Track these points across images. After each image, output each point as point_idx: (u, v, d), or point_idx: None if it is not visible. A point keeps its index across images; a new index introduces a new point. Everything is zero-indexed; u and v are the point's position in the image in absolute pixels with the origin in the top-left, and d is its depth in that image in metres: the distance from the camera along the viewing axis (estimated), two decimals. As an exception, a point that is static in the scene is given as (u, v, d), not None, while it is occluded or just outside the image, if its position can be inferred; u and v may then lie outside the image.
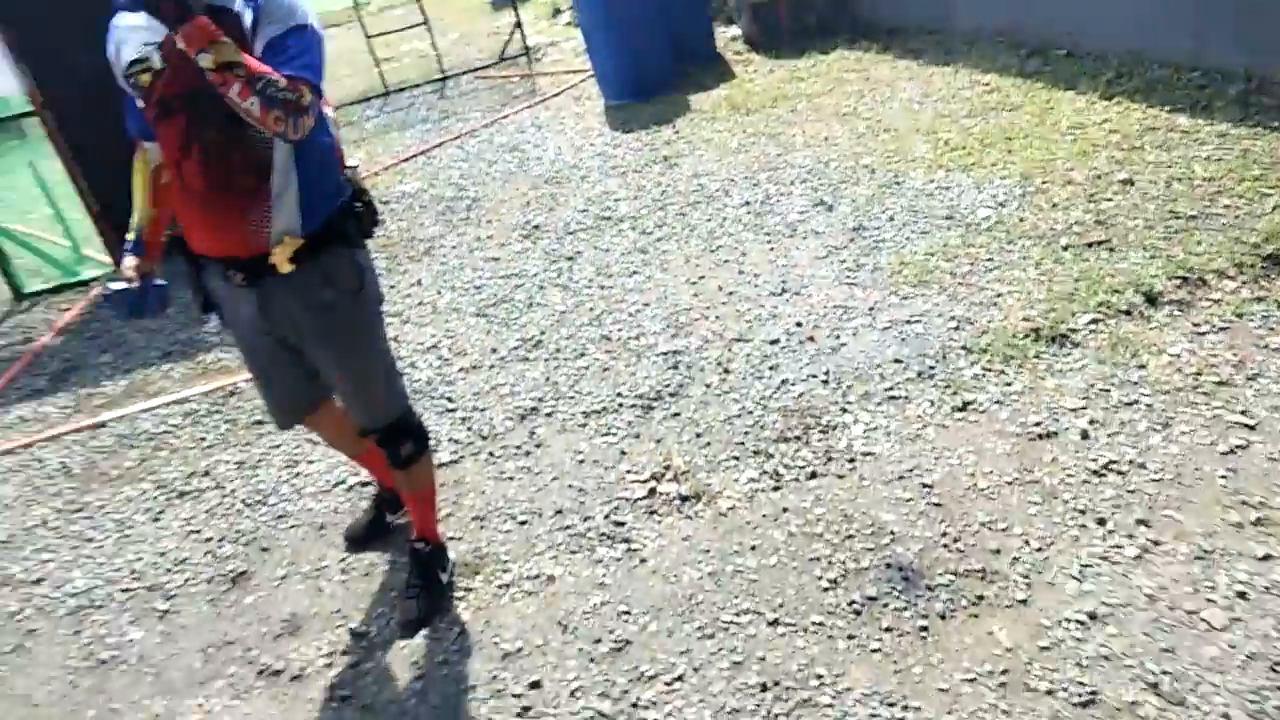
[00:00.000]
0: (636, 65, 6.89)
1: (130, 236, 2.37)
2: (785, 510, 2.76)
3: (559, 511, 2.98)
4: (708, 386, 3.44)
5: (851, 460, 2.90)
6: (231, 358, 4.45)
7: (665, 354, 3.70)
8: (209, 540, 3.19)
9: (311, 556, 3.02)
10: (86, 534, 3.37)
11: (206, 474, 3.58)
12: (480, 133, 7.19)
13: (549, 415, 3.49)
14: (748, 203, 4.84)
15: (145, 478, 3.64)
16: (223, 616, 2.84)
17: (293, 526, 3.18)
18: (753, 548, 2.65)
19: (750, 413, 3.24)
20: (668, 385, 3.50)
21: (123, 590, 3.04)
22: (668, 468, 3.06)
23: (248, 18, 2.10)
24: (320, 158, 2.28)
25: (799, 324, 3.68)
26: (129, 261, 2.35)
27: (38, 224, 6.44)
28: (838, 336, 3.54)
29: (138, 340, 4.83)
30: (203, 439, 3.84)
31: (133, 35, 2.14)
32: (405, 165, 6.84)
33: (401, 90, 9.23)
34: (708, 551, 2.68)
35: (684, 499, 2.90)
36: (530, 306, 4.33)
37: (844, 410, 3.14)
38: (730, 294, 4.05)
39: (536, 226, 5.20)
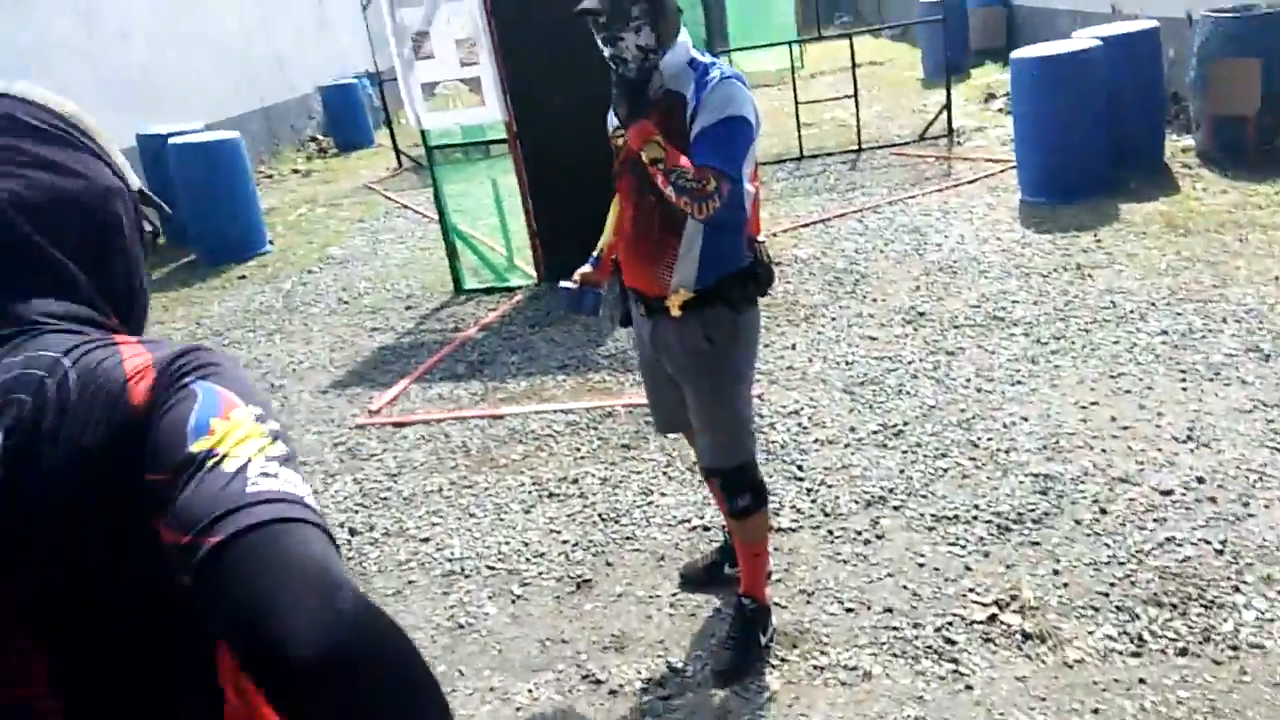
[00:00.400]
0: (1066, 163, 6.55)
1: (594, 253, 2.89)
2: (1142, 681, 2.50)
3: (888, 610, 2.92)
4: (1078, 522, 3.20)
5: (1235, 648, 2.56)
6: (614, 381, 4.88)
7: (1036, 475, 3.50)
8: (565, 542, 3.53)
9: (648, 582, 3.23)
10: (470, 509, 3.86)
11: (575, 481, 3.95)
12: (884, 209, 7.23)
13: (896, 509, 3.44)
14: (1165, 332, 4.42)
15: (525, 472, 4.10)
16: (563, 615, 3.13)
17: (636, 550, 3.42)
18: (1095, 711, 2.43)
19: (1122, 563, 2.96)
20: (1032, 509, 3.30)
21: (488, 567, 3.45)
22: (1014, 597, 2.89)
23: (691, 106, 2.46)
24: (726, 228, 2.55)
25: (1200, 479, 3.30)
26: (584, 269, 2.84)
27: (484, 231, 7.48)
28: (1246, 504, 3.13)
29: (542, 349, 5.43)
30: (578, 449, 4.24)
31: (619, 106, 2.54)
32: (803, 230, 7.06)
33: (815, 157, 9.52)
34: (1044, 700, 2.49)
35: (1026, 636, 2.72)
36: (899, 393, 4.29)
37: (1237, 589, 2.77)
38: (1124, 428, 3.73)
39: (921, 313, 5.14)
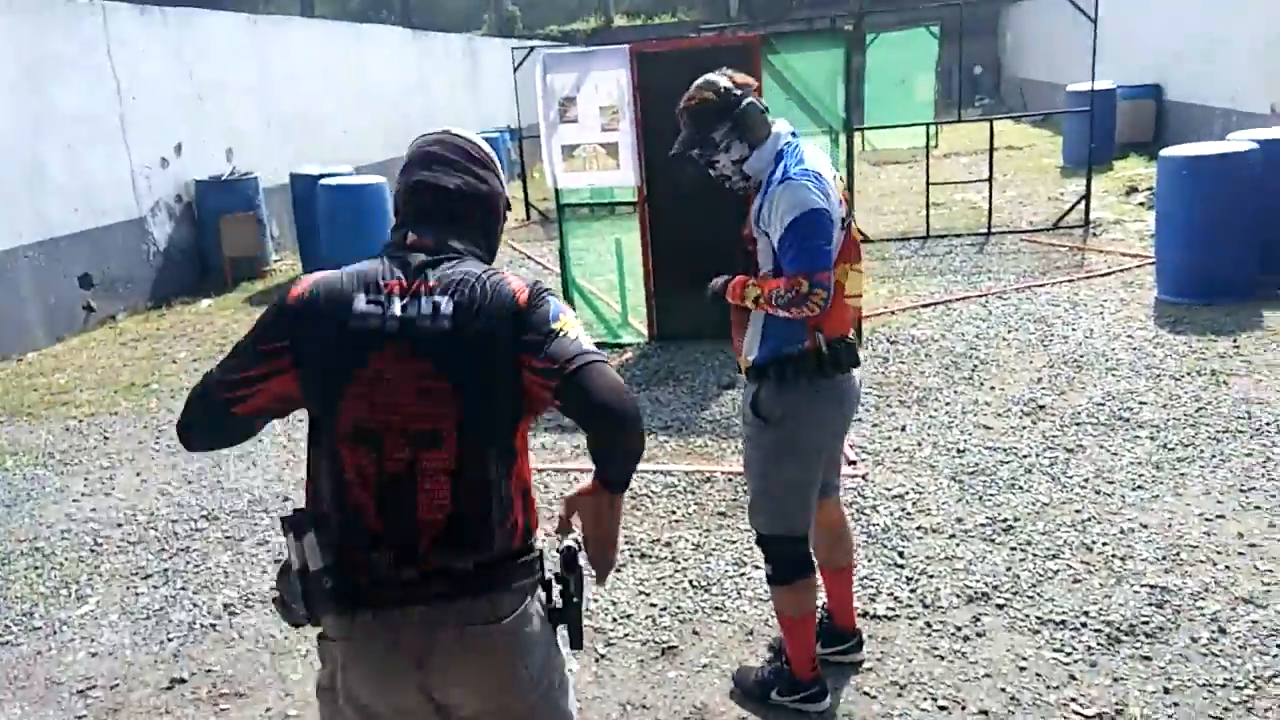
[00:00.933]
0: (1209, 264, 6.27)
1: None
2: (1258, 828, 2.30)
3: (984, 712, 2.79)
4: (1194, 640, 2.99)
5: (1370, 805, 2.33)
6: (716, 446, 4.86)
7: (1153, 587, 3.30)
8: (654, 606, 3.50)
9: (734, 656, 3.17)
10: (562, 560, 3.87)
11: (668, 544, 3.93)
12: (1009, 296, 7.04)
13: (1000, 607, 3.29)
14: (1307, 449, 4.14)
15: (622, 530, 4.09)
16: (646, 680, 3.09)
17: (725, 621, 3.37)
18: None
19: (1239, 688, 2.75)
20: (1146, 622, 3.11)
21: (574, 621, 3.45)
22: (1120, 713, 2.72)
23: (755, 202, 2.68)
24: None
25: (1337, 612, 3.05)
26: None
27: (601, 287, 7.61)
28: (1391, 645, 2.87)
29: (647, 407, 5.45)
30: (673, 511, 4.23)
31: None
32: (924, 310, 6.93)
33: (943, 237, 9.38)
34: (1143, 833, 2.32)
35: (1131, 760, 2.55)
36: (1012, 487, 4.13)
37: (1375, 739, 2.53)
38: (1252, 545, 3.49)
39: (1041, 406, 4.95)
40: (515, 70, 13.79)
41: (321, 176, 9.51)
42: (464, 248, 1.73)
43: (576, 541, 1.76)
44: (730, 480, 4.45)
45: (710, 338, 6.08)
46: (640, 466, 4.45)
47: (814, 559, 2.86)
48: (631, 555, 3.87)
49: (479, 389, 1.63)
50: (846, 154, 6.36)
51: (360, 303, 1.64)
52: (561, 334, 1.63)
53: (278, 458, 5.15)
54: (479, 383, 1.63)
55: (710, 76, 2.73)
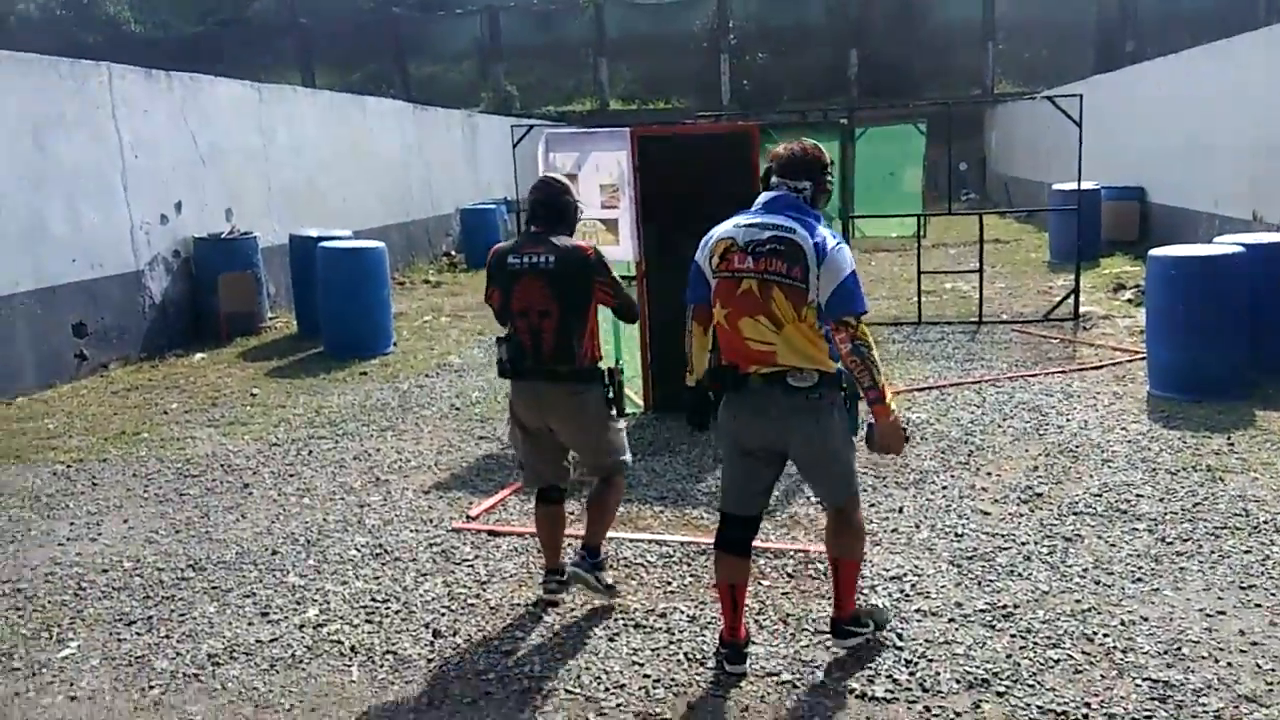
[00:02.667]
0: (1200, 362, 6.37)
1: None
2: None
3: (987, 801, 2.72)
4: (1200, 737, 2.95)
5: None
6: (711, 518, 4.81)
7: (1155, 681, 3.26)
8: (647, 677, 3.43)
9: (729, 733, 3.09)
10: (555, 628, 3.80)
11: (663, 615, 3.87)
12: (1003, 384, 7.11)
13: (1000, 695, 3.24)
14: (1303, 547, 4.15)
15: (615, 598, 4.03)
16: (639, 753, 3.01)
17: (720, 697, 3.30)
18: None
19: (1249, 789, 2.70)
20: (1149, 716, 3.07)
21: (566, 690, 3.37)
22: (1127, 809, 2.65)
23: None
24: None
25: (1343, 710, 3.02)
26: None
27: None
28: (1398, 746, 2.84)
29: (643, 477, 5.42)
30: (668, 582, 4.17)
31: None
32: (917, 395, 6.98)
33: (934, 324, 9.50)
34: None
35: None
36: (1011, 573, 4.11)
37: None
38: (1254, 644, 3.47)
39: (1038, 494, 4.96)
40: (515, 146, 14.08)
41: (321, 239, 9.58)
42: (561, 231, 3.81)
43: (619, 366, 4.01)
44: (726, 554, 4.40)
45: (711, 412, 6.08)
46: (635, 536, 4.52)
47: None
48: (625, 625, 3.81)
49: (563, 293, 3.71)
50: (843, 238, 6.48)
51: (510, 258, 3.79)
52: (610, 281, 3.80)
53: (268, 511, 5.08)
54: (564, 291, 3.71)
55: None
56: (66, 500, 5.26)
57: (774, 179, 3.38)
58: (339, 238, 9.82)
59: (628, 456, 4.01)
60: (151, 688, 3.40)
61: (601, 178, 6.63)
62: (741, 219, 3.36)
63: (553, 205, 3.82)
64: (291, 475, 5.64)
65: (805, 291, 3.19)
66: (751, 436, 3.38)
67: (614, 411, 3.86)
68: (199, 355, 8.99)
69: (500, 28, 30.14)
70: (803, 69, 27.76)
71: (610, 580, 4.07)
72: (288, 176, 11.65)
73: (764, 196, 3.39)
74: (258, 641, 3.72)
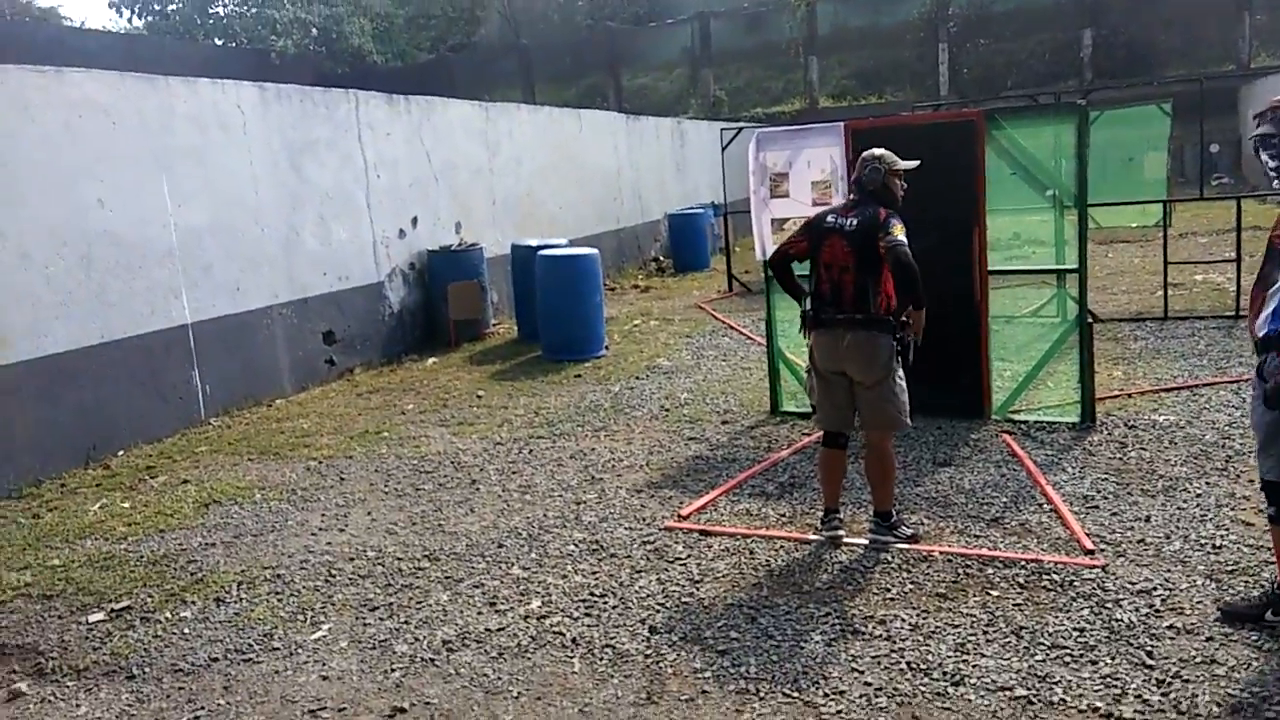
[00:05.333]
0: None
1: None
2: None
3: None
4: None
5: None
6: (933, 525, 4.62)
7: None
8: (868, 685, 3.32)
9: (957, 748, 2.94)
10: (769, 630, 3.76)
11: (882, 623, 3.74)
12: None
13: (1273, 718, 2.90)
14: None
15: (829, 603, 3.95)
16: (860, 761, 2.92)
17: (947, 709, 3.15)
18: None
19: None
20: None
21: (784, 694, 3.31)
22: None
23: None
24: None
25: None
26: None
27: (800, 356, 7.51)
28: None
29: (857, 480, 5.26)
30: (887, 589, 4.03)
31: None
32: (1165, 395, 6.39)
33: (1184, 319, 8.68)
34: None
35: None
36: None
37: None
38: None
39: (1314, 505, 4.40)
40: (724, 150, 14.14)
41: (540, 248, 10.00)
42: (869, 202, 4.41)
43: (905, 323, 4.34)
44: (949, 561, 4.21)
45: (922, 413, 5.83)
46: (853, 540, 4.33)
47: None
48: (844, 631, 3.71)
49: (859, 251, 4.30)
50: (1079, 229, 6.02)
51: (827, 219, 4.47)
52: (893, 233, 4.20)
53: (494, 506, 5.35)
54: (860, 249, 4.30)
55: None
56: (318, 493, 5.76)
57: None
58: (556, 246, 10.22)
59: (908, 419, 4.46)
60: (393, 670, 3.66)
61: (813, 175, 6.51)
62: None
63: (877, 183, 4.40)
64: (514, 472, 5.91)
65: None
66: None
67: (900, 364, 4.36)
68: (431, 359, 9.62)
69: (710, 34, 30.39)
70: (1028, 53, 26.16)
71: (910, 531, 4.49)
72: (509, 188, 12.26)
73: None
74: (487, 630, 3.91)
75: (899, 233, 4.21)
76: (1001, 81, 25.75)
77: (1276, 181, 3.42)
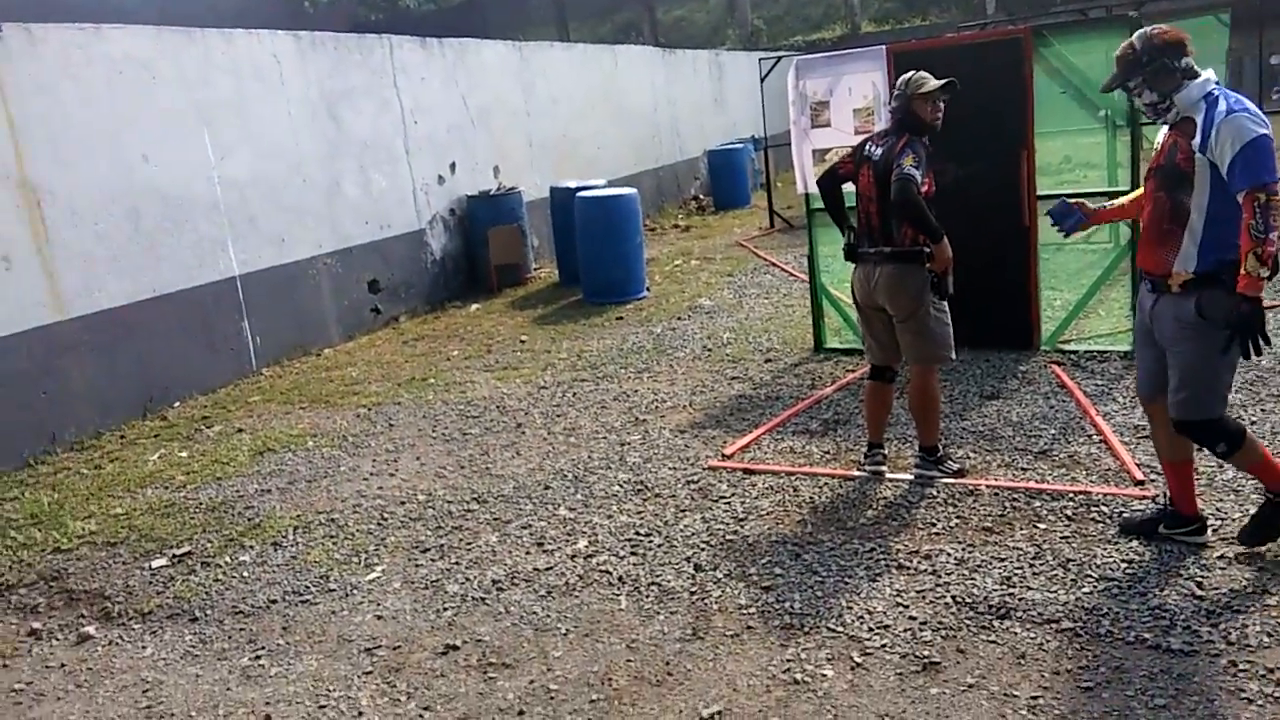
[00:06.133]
0: None
1: (1104, 203, 3.90)
2: None
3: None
4: None
5: None
6: (979, 458, 4.59)
7: None
8: (913, 619, 3.34)
9: (1004, 679, 2.96)
10: (814, 566, 3.79)
11: (927, 557, 3.75)
12: (1327, 307, 6.18)
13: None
14: None
15: (873, 538, 3.96)
16: (905, 695, 2.95)
17: (993, 643, 3.16)
18: None
19: None
20: None
21: (829, 628, 3.35)
22: None
23: (1199, 130, 3.19)
24: (1223, 220, 3.16)
25: None
26: (1085, 201, 3.79)
27: (843, 291, 7.44)
28: None
29: (902, 415, 5.22)
30: (933, 524, 4.03)
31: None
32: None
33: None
34: None
35: None
36: (1338, 520, 3.59)
37: None
38: None
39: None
40: (762, 81, 13.84)
41: (579, 189, 9.95)
42: (902, 130, 4.25)
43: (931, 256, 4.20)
44: (996, 495, 4.19)
45: (969, 345, 5.75)
46: (897, 475, 4.33)
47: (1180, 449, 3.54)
48: (888, 565, 3.73)
49: (883, 181, 4.19)
50: (1131, 149, 5.84)
51: (867, 145, 4.39)
52: (902, 165, 4.06)
53: (539, 448, 5.42)
54: (883, 179, 4.19)
55: (1140, 33, 3.34)
56: (369, 440, 5.88)
57: None
58: (594, 187, 10.15)
59: (951, 352, 4.40)
60: (445, 609, 3.76)
61: (855, 102, 6.35)
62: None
63: (901, 109, 4.27)
64: (559, 416, 5.97)
65: None
66: None
67: (936, 296, 4.23)
68: (474, 306, 9.68)
69: (747, -40, 29.60)
70: (1077, -34, 25.13)
71: (956, 465, 4.47)
72: (546, 130, 12.16)
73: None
74: (535, 570, 3.99)
75: (909, 164, 4.06)
76: (1051, -1, 24.80)
77: (1156, 120, 3.46)
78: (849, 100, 6.36)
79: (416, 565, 4.15)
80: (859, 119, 6.36)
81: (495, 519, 4.54)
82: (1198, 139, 3.19)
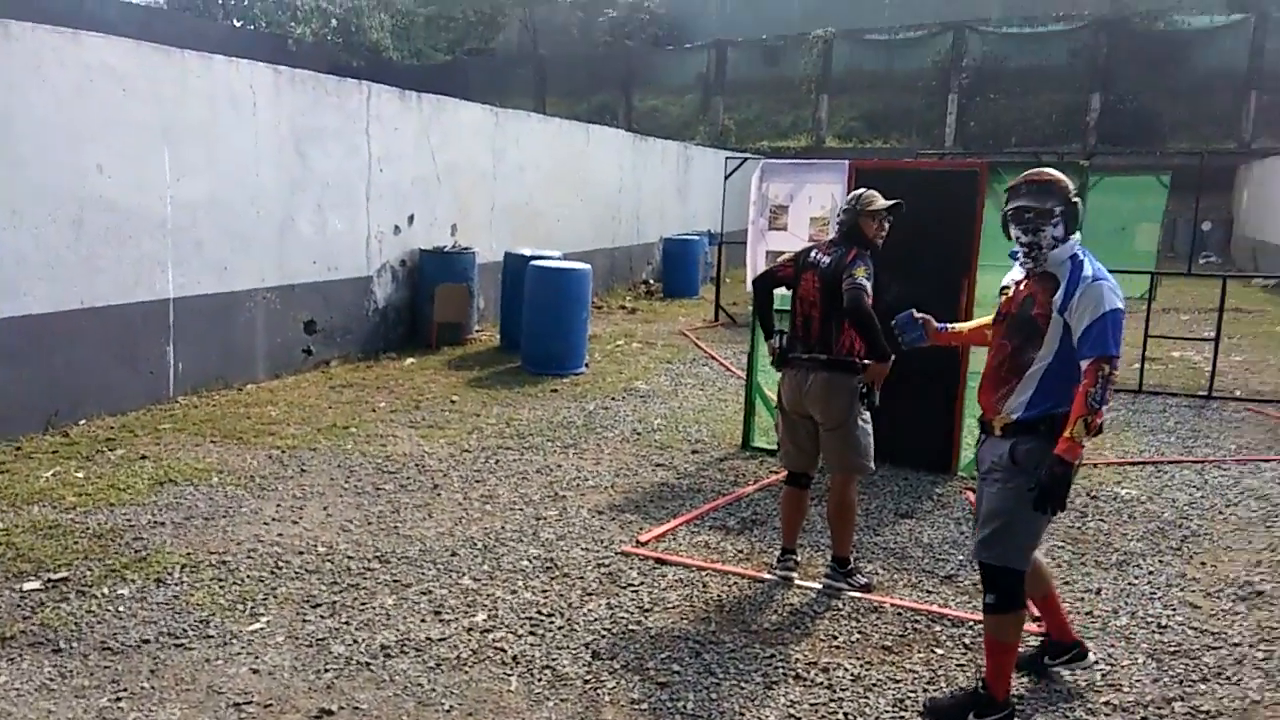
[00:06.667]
0: None
1: (947, 325, 3.90)
2: None
3: None
4: None
5: None
6: (887, 576, 4.61)
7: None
8: (800, 731, 3.31)
9: (880, 805, 2.93)
10: (711, 667, 3.74)
11: (825, 670, 3.73)
12: (1229, 467, 6.43)
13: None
14: None
15: (775, 645, 3.93)
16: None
17: (875, 764, 3.13)
18: None
19: None
20: None
21: (716, 731, 3.30)
22: None
23: (1061, 292, 3.21)
24: (1058, 381, 3.21)
25: None
26: (929, 318, 3.82)
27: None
28: None
29: (819, 524, 5.25)
30: (834, 636, 4.02)
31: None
32: (1130, 469, 6.42)
33: (1156, 394, 8.74)
34: None
35: None
36: (1218, 676, 3.68)
37: None
38: None
39: (1259, 593, 4.44)
40: (726, 178, 14.22)
41: (533, 258, 10.00)
42: (850, 242, 4.35)
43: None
44: (899, 614, 4.21)
45: (889, 462, 5.84)
46: (806, 583, 4.32)
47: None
48: (785, 674, 3.70)
49: (828, 290, 4.29)
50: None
51: (812, 253, 4.46)
52: (854, 275, 4.16)
53: (452, 513, 5.32)
54: (828, 288, 4.28)
55: (1054, 170, 3.41)
56: (277, 483, 5.71)
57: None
58: (549, 258, 10.22)
59: (871, 463, 4.45)
60: (326, 670, 3.62)
61: (813, 210, 6.55)
62: None
63: (848, 223, 4.40)
64: (478, 481, 5.88)
65: None
66: None
67: (864, 406, 4.32)
68: (409, 359, 9.59)
69: (726, 61, 30.62)
70: (1035, 111, 26.48)
71: (865, 580, 4.49)
72: (511, 196, 12.25)
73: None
74: (428, 639, 3.88)
75: (861, 275, 4.16)
76: (1006, 137, 26.03)
77: (1022, 258, 3.34)
78: (808, 208, 6.57)
79: (304, 620, 4.01)
80: (814, 227, 6.56)
81: (395, 581, 4.42)
82: (1059, 298, 3.19)
